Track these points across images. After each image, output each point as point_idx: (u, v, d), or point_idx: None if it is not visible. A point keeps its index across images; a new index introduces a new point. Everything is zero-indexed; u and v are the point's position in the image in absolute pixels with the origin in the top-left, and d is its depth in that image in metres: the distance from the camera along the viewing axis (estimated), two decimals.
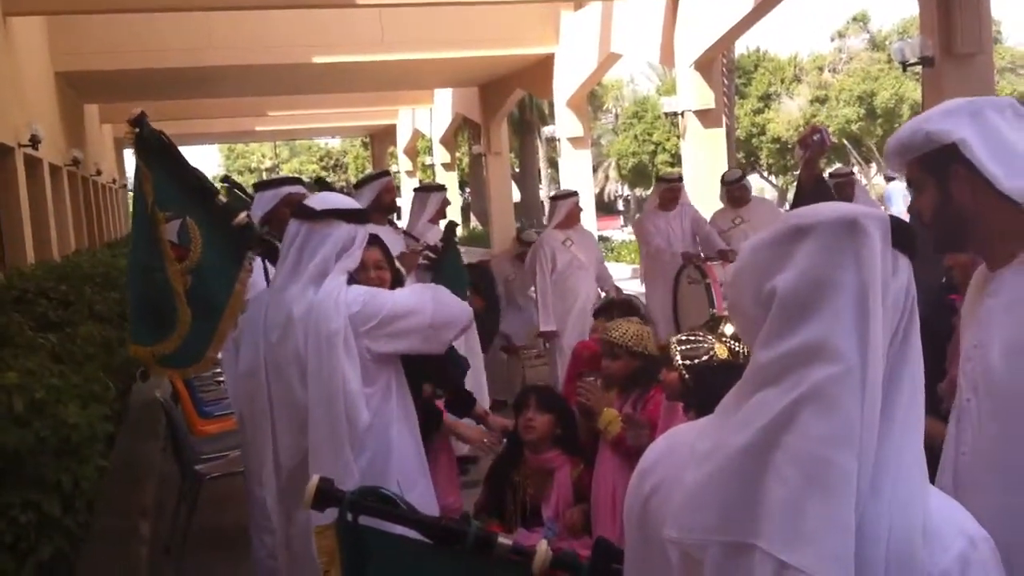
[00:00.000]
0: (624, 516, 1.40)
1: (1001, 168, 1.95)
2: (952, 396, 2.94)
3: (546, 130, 33.94)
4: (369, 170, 27.94)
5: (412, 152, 34.39)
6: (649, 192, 10.24)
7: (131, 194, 4.41)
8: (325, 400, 3.03)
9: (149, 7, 13.45)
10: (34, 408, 3.53)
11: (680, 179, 9.16)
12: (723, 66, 16.53)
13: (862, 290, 1.17)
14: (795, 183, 5.54)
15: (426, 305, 3.16)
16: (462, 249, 7.60)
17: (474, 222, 34.85)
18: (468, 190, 40.32)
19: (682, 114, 14.73)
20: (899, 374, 1.20)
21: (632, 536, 1.38)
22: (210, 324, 3.64)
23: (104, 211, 23.59)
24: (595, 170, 37.02)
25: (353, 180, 36.12)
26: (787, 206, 18.03)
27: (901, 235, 1.22)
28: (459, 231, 28.44)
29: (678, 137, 17.95)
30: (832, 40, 42.51)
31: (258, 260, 3.83)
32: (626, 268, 19.20)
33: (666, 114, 17.51)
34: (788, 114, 38.46)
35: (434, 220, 6.97)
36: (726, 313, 3.75)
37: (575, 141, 19.38)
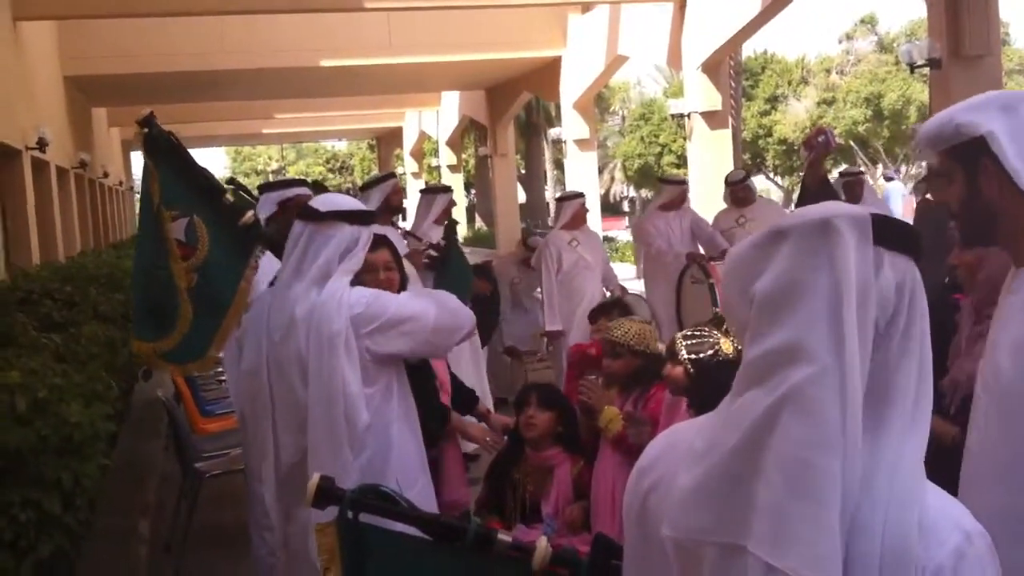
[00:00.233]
0: (623, 513, 1.40)
1: None
2: (953, 393, 2.94)
3: (552, 132, 33.93)
4: (375, 172, 28.03)
5: (418, 154, 34.44)
6: (654, 194, 10.20)
7: (138, 195, 4.43)
8: (325, 400, 3.03)
9: (158, 11, 13.49)
10: (36, 407, 3.54)
11: (685, 181, 9.20)
12: (730, 68, 16.53)
13: (835, 290, 1.17)
14: (800, 184, 5.54)
15: (429, 310, 3.15)
16: (467, 250, 7.62)
17: (480, 223, 34.87)
18: (474, 191, 40.35)
19: (689, 116, 14.73)
20: (899, 370, 1.20)
21: (631, 533, 1.38)
22: (214, 322, 3.65)
23: (110, 213, 23.68)
24: (601, 172, 37.08)
25: (359, 182, 36.15)
26: (793, 207, 18.02)
27: (887, 233, 1.21)
28: (465, 231, 28.34)
29: (684, 139, 17.96)
30: (840, 42, 42.53)
31: (270, 257, 3.83)
32: (631, 268, 19.19)
33: (673, 116, 17.51)
34: (795, 116, 38.42)
35: (439, 221, 6.98)
36: None
37: (581, 143, 19.38)
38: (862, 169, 12.40)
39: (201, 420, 6.47)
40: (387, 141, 37.66)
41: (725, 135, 14.75)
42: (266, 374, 3.24)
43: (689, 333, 3.20)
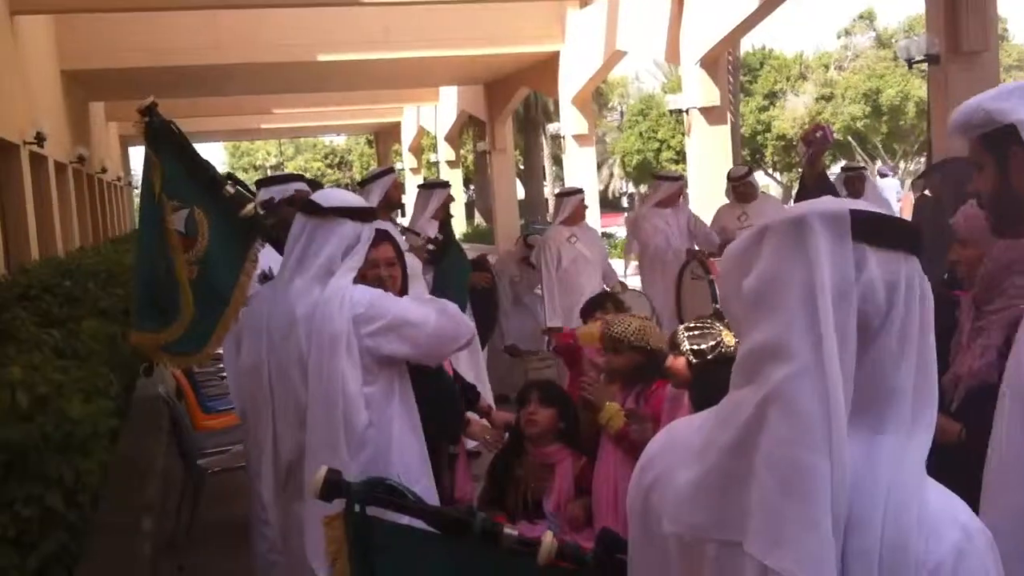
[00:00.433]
0: (627, 509, 1.41)
1: None
2: (955, 390, 2.95)
3: (551, 127, 33.92)
4: (374, 167, 27.97)
5: (417, 150, 34.41)
6: (649, 190, 10.14)
7: (136, 190, 4.43)
8: (324, 400, 3.04)
9: (155, 6, 13.48)
10: (37, 403, 3.54)
11: (682, 177, 9.17)
12: (729, 63, 16.51)
13: (810, 288, 1.17)
14: (799, 180, 5.54)
15: (430, 317, 3.16)
16: (466, 247, 7.63)
17: (478, 219, 34.85)
18: (473, 187, 40.32)
19: (687, 111, 14.72)
20: (898, 369, 1.19)
21: (635, 529, 1.39)
22: (214, 315, 3.65)
23: (109, 208, 23.64)
24: (600, 167, 37.04)
25: (358, 178, 36.15)
26: (791, 203, 18.04)
27: (871, 229, 1.19)
28: (464, 227, 28.29)
29: (683, 134, 17.95)
30: (838, 38, 42.51)
31: (270, 250, 3.82)
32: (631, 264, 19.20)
33: (671, 111, 17.51)
34: (793, 111, 38.41)
35: (436, 216, 6.98)
36: None
37: (580, 138, 19.38)
38: (864, 164, 12.38)
39: (202, 416, 6.49)
40: (385, 136, 37.63)
41: (724, 131, 14.74)
42: (266, 371, 3.24)
43: (692, 325, 3.21)
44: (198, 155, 3.77)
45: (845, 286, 1.17)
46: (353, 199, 3.32)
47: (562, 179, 29.60)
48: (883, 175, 21.44)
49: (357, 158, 55.51)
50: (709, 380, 2.99)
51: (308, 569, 3.03)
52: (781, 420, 1.14)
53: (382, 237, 3.38)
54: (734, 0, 13.27)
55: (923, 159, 31.59)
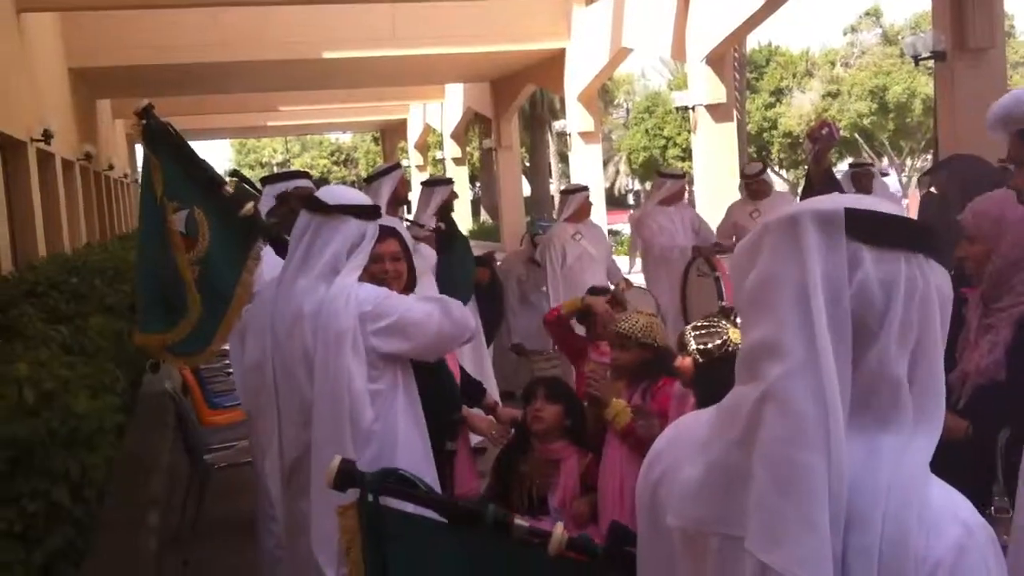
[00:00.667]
0: (636, 503, 1.42)
1: None
2: (962, 388, 2.94)
3: (557, 125, 33.92)
4: (379, 164, 28.00)
5: (423, 147, 34.44)
6: (652, 187, 10.12)
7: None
8: (330, 397, 3.04)
9: (162, 3, 13.51)
10: (44, 399, 3.55)
11: (685, 174, 9.18)
12: (735, 61, 16.50)
13: (802, 286, 1.17)
14: (804, 177, 5.53)
15: (433, 316, 3.17)
16: (472, 244, 7.63)
17: (484, 216, 34.87)
18: (479, 184, 40.34)
19: (693, 108, 14.72)
20: (899, 368, 1.19)
21: (643, 522, 1.40)
22: (217, 314, 3.66)
23: (115, 205, 23.69)
24: (606, 164, 36.99)
25: (364, 175, 36.21)
26: (798, 200, 18.01)
27: (866, 228, 1.18)
28: (469, 225, 28.28)
29: (689, 132, 17.92)
30: (844, 34, 42.41)
31: (271, 251, 3.83)
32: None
33: (677, 108, 17.51)
34: (800, 108, 38.36)
35: (439, 213, 6.99)
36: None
37: (586, 136, 19.39)
38: (872, 161, 12.35)
39: (208, 412, 6.51)
40: (391, 134, 37.67)
41: (730, 128, 14.74)
42: (271, 369, 3.24)
43: (699, 324, 3.21)
44: (196, 155, 3.77)
45: (838, 285, 1.17)
46: (358, 196, 3.31)
47: (568, 176, 29.58)
48: (883, 174, 21.40)
49: (363, 155, 55.57)
50: (712, 377, 2.99)
51: (313, 565, 3.04)
52: (777, 419, 1.14)
53: (388, 232, 3.38)
54: None
55: (930, 156, 31.54)
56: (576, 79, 18.54)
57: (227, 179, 3.95)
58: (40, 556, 3.25)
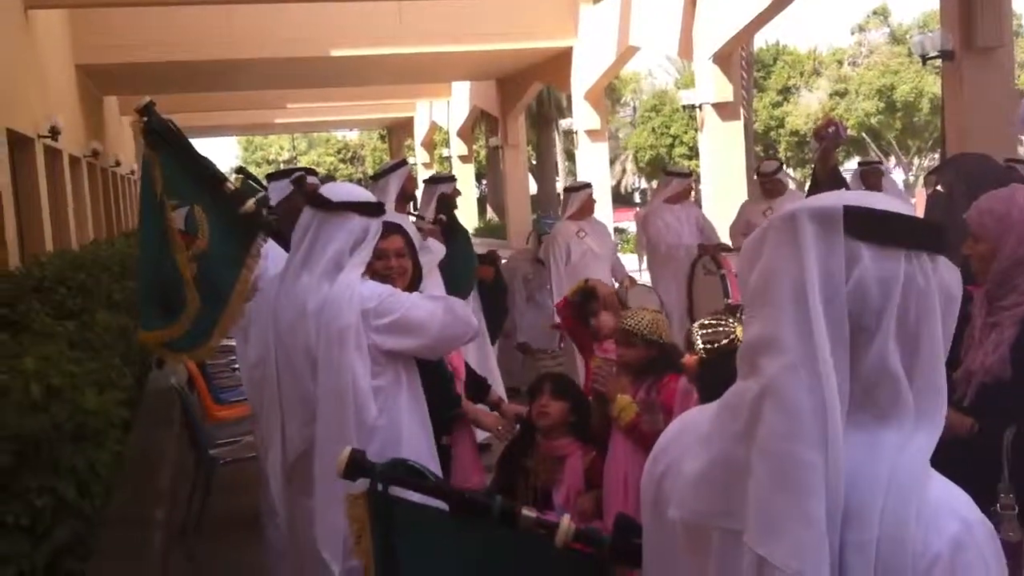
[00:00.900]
0: (640, 497, 1.43)
1: None
2: (967, 385, 2.94)
3: (564, 123, 33.90)
4: (386, 161, 28.00)
5: (429, 144, 34.45)
6: (658, 185, 10.10)
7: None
8: (334, 394, 3.04)
9: (169, 1, 13.52)
10: (51, 394, 3.56)
11: (692, 173, 9.16)
12: (742, 59, 16.47)
13: (800, 282, 1.18)
14: (811, 176, 5.53)
15: (436, 315, 3.17)
16: (477, 242, 7.63)
17: (490, 214, 34.86)
18: (485, 183, 40.32)
19: (700, 107, 14.71)
20: (899, 365, 1.19)
21: (648, 517, 1.41)
22: (215, 311, 3.66)
23: (122, 202, 23.75)
24: (612, 163, 37.00)
25: (370, 172, 36.25)
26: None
27: (865, 226, 1.19)
28: (476, 223, 28.26)
29: (696, 130, 17.91)
30: (852, 33, 42.36)
31: (274, 246, 3.84)
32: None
33: (684, 107, 17.49)
34: (807, 107, 38.31)
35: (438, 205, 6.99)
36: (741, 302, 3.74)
37: (592, 134, 19.38)
38: (881, 159, 12.33)
39: (214, 408, 6.52)
40: (398, 131, 37.69)
41: (737, 126, 14.73)
42: (274, 365, 3.25)
43: (705, 322, 3.21)
44: (197, 153, 3.77)
45: (834, 282, 1.17)
46: (361, 193, 3.30)
47: (574, 174, 29.59)
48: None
49: (370, 153, 55.62)
50: (714, 372, 2.99)
51: (317, 560, 3.05)
52: (775, 414, 1.15)
53: (392, 228, 3.38)
54: None
55: (937, 155, 31.46)
56: (583, 77, 18.53)
57: (233, 176, 3.95)
58: (46, 550, 3.26)
